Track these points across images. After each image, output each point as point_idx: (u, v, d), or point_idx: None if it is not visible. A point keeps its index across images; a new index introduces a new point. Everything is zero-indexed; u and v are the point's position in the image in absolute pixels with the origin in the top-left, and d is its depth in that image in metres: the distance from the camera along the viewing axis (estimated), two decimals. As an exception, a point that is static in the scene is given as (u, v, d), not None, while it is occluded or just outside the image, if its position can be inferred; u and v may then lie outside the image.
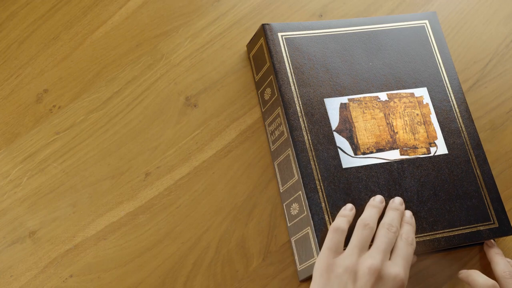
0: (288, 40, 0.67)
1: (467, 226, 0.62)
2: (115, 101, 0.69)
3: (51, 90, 0.69)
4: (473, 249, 0.66)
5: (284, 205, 0.65)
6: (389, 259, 0.55)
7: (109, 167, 0.66)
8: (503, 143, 0.72)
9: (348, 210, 0.59)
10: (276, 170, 0.67)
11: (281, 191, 0.66)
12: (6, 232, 0.63)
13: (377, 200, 0.60)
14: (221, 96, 0.70)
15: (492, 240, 0.64)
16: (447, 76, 0.69)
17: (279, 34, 0.67)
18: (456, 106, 0.68)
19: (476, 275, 0.60)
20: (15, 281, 0.61)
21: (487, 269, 0.65)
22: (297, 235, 0.62)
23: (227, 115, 0.70)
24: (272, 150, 0.67)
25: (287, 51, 0.67)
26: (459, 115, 0.67)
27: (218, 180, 0.67)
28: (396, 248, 0.56)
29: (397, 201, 0.61)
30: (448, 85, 0.69)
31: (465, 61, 0.75)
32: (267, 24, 0.67)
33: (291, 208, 0.63)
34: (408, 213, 0.60)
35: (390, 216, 0.59)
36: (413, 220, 0.60)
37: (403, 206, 0.61)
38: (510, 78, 0.75)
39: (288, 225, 0.64)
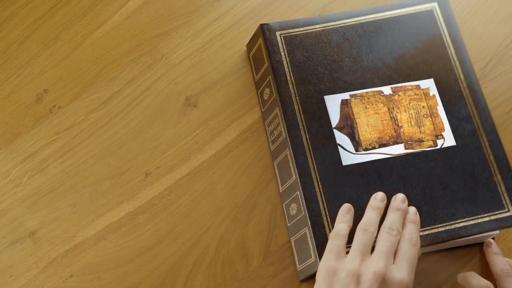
0: (287, 39, 0.66)
1: (480, 216, 0.60)
2: (115, 101, 0.69)
3: (51, 90, 0.69)
4: (473, 249, 0.66)
5: (283, 205, 0.65)
6: (393, 262, 0.54)
7: (109, 167, 0.66)
8: (503, 143, 0.72)
9: (345, 213, 0.58)
10: (276, 170, 0.66)
11: (280, 191, 0.66)
12: (6, 232, 0.63)
13: (378, 198, 0.59)
14: (221, 96, 0.70)
15: (491, 240, 0.64)
16: (458, 60, 0.66)
17: (277, 33, 0.66)
18: (468, 91, 0.65)
19: (470, 277, 0.60)
20: (15, 281, 0.61)
21: (487, 269, 0.65)
22: (296, 235, 0.62)
23: (227, 115, 0.70)
24: (271, 150, 0.67)
25: (285, 50, 0.66)
26: (471, 100, 0.64)
27: (218, 180, 0.67)
28: (400, 251, 0.55)
29: (399, 198, 0.59)
30: (459, 69, 0.66)
31: (465, 61, 0.75)
32: (265, 24, 0.67)
33: (290, 208, 0.63)
34: (412, 210, 0.58)
35: (391, 218, 0.57)
36: (417, 217, 0.58)
37: (406, 203, 0.59)
38: (510, 78, 0.75)
39: (288, 225, 0.64)
